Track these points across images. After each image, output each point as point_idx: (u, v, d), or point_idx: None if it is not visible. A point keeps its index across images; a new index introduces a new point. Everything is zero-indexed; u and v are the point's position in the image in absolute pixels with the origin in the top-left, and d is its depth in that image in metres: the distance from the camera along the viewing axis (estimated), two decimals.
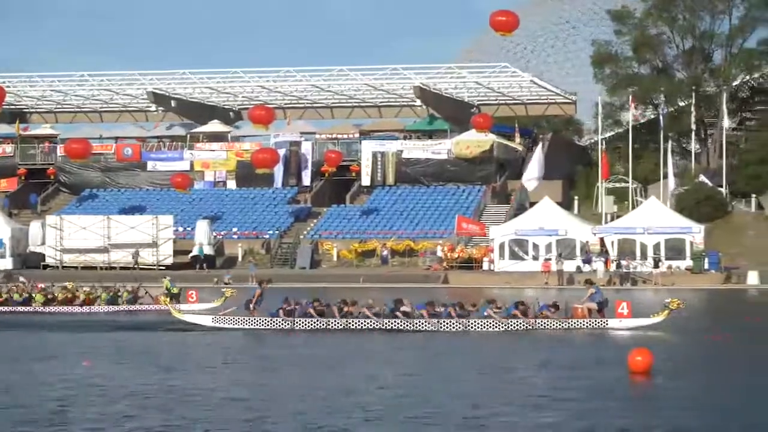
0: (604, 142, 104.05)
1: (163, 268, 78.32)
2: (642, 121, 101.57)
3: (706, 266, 72.72)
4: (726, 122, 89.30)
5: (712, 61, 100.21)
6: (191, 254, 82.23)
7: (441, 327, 39.62)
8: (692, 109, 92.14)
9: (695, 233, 75.01)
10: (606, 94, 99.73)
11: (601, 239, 76.22)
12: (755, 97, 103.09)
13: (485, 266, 77.71)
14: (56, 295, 52.46)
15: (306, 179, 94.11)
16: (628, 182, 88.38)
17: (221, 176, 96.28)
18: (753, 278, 70.46)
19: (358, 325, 40.21)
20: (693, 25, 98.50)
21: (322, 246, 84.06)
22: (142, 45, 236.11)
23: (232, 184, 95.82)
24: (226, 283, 63.63)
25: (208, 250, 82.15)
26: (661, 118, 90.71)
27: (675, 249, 74.83)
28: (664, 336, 37.85)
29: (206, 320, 41.83)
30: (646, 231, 75.38)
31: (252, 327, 40.80)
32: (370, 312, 40.62)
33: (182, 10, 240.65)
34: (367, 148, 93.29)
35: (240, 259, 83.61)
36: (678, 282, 70.33)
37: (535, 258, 75.57)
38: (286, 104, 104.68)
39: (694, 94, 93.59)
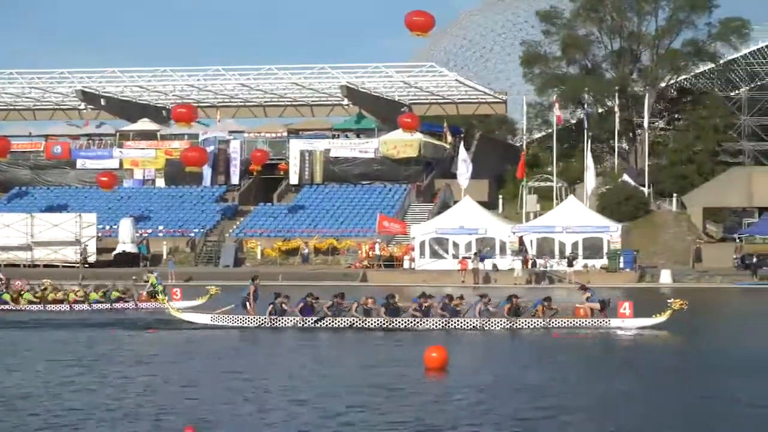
0: (536, 142, 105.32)
1: (87, 266, 78.32)
2: (573, 121, 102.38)
3: (621, 265, 73.43)
4: (646, 122, 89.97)
5: (641, 62, 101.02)
6: (115, 252, 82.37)
7: (432, 325, 39.52)
8: (616, 109, 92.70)
9: (612, 232, 75.82)
10: (534, 93, 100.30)
11: (521, 238, 76.87)
12: (683, 98, 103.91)
13: (406, 264, 78.22)
14: (44, 294, 51.95)
15: (234, 178, 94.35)
16: (552, 182, 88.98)
17: (150, 174, 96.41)
18: (666, 277, 71.29)
19: (353, 322, 40.02)
20: (621, 26, 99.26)
21: (247, 244, 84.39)
22: (73, 43, 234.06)
23: (161, 183, 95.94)
24: (145, 281, 63.71)
25: (131, 248, 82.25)
26: (585, 118, 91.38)
27: (593, 248, 75.68)
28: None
29: (204, 318, 41.59)
30: (564, 230, 76.16)
31: (250, 325, 40.66)
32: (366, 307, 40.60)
33: (114, 7, 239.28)
34: (295, 146, 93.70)
35: (164, 256, 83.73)
36: (593, 280, 70.75)
37: (455, 256, 76.11)
38: (219, 103, 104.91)
39: (617, 95, 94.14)
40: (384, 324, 39.66)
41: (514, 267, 72.76)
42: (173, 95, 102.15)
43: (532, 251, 75.79)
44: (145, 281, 63.38)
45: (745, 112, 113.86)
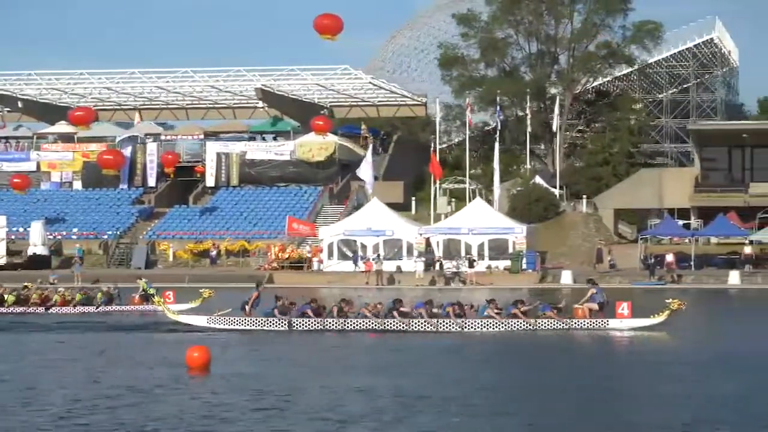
0: (459, 144, 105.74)
1: None
2: (492, 123, 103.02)
3: (524, 266, 74.18)
4: (555, 124, 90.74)
5: (559, 64, 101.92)
6: (28, 254, 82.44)
7: (439, 327, 39.69)
8: (528, 111, 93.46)
9: (517, 233, 76.54)
10: (452, 96, 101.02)
11: (427, 239, 77.49)
12: (600, 100, 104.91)
13: (315, 266, 78.65)
14: (30, 295, 52.25)
15: (151, 180, 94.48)
16: (465, 183, 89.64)
17: (68, 177, 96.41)
18: (566, 278, 71.95)
19: (356, 325, 40.22)
20: (537, 29, 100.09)
21: (159, 246, 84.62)
22: None
23: (78, 185, 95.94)
24: (51, 283, 63.89)
25: (42, 251, 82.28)
26: (497, 120, 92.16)
27: (499, 249, 76.39)
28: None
29: (201, 321, 41.62)
30: (470, 231, 76.82)
31: (247, 328, 40.75)
32: (369, 312, 40.71)
33: (25, 8, 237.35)
34: (212, 149, 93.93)
35: (79, 259, 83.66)
36: (496, 281, 71.74)
37: (362, 258, 76.49)
38: (141, 106, 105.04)
39: (531, 97, 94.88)
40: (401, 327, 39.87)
41: (416, 269, 73.35)
42: (92, 98, 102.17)
43: (438, 253, 76.46)
44: (51, 282, 63.85)
45: (668, 114, 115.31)
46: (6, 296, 51.55)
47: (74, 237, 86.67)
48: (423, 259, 74.51)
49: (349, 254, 77.54)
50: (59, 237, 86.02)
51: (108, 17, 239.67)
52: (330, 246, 78.37)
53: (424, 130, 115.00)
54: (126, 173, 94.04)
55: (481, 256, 75.52)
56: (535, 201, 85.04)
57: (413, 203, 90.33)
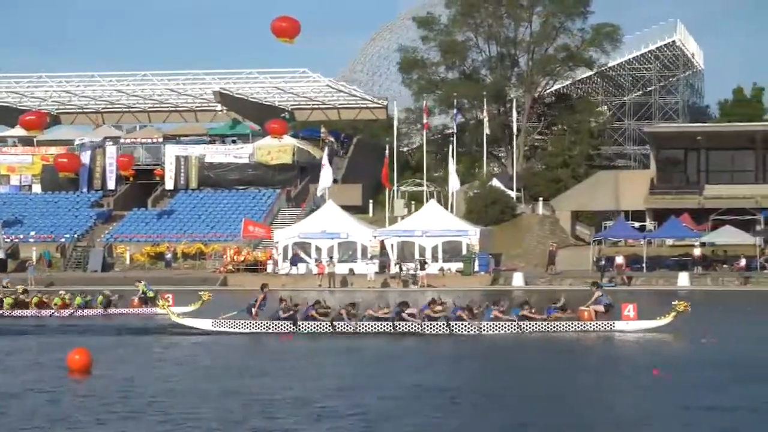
0: (421, 147, 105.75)
1: None
2: (453, 126, 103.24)
3: (477, 268, 74.51)
4: (515, 126, 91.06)
5: (519, 67, 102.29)
6: None
7: (453, 329, 39.93)
8: (484, 114, 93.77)
9: (471, 236, 76.87)
10: (412, 99, 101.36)
11: (381, 242, 77.74)
12: (561, 103, 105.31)
13: (269, 268, 78.81)
14: (28, 299, 52.62)
15: (110, 183, 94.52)
16: (422, 186, 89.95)
17: (27, 180, 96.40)
18: (518, 280, 72.36)
19: (366, 327, 40.46)
20: (497, 32, 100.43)
21: (116, 249, 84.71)
22: None
23: (37, 188, 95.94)
24: (4, 287, 63.87)
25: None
26: (455, 123, 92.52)
27: (453, 251, 76.72)
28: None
29: (205, 324, 41.74)
30: (424, 234, 77.11)
31: (253, 331, 40.97)
32: (377, 314, 40.92)
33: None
34: (171, 152, 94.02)
35: (34, 262, 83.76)
36: (448, 283, 72.07)
37: (317, 260, 76.70)
38: (103, 109, 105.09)
39: (489, 100, 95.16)
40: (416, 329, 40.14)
41: (367, 271, 73.67)
42: (53, 101, 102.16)
43: (393, 255, 76.79)
44: (4, 286, 63.79)
45: (631, 116, 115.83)
46: (4, 299, 52.00)
47: (31, 240, 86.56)
48: (376, 261, 74.73)
49: (304, 257, 77.78)
50: (16, 240, 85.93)
51: (69, 20, 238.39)
52: (285, 248, 78.63)
53: (388, 133, 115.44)
54: (85, 176, 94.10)
55: (435, 259, 75.94)
56: (491, 203, 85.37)
57: (371, 206, 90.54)
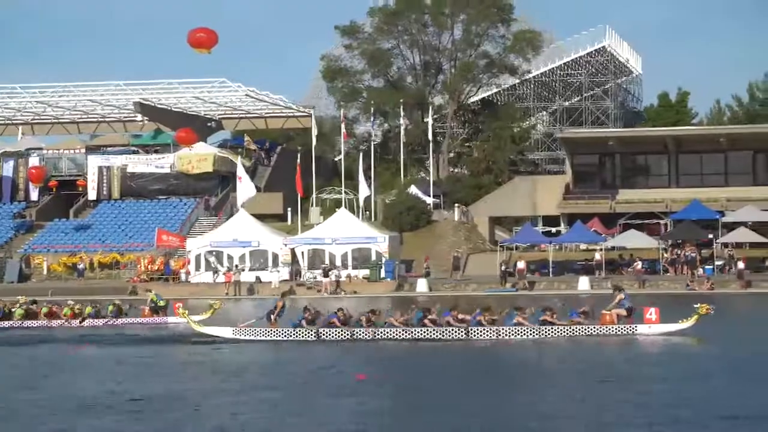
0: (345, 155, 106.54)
1: None
2: (378, 134, 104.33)
3: (383, 275, 75.34)
4: (430, 133, 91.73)
5: (444, 75, 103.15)
6: None
7: (471, 335, 40.31)
8: (402, 121, 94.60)
9: (380, 243, 77.72)
10: (335, 107, 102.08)
11: (292, 250, 78.48)
12: (486, 110, 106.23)
13: (183, 277, 79.45)
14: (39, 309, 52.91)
15: (33, 194, 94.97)
16: (341, 194, 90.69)
17: None
18: (422, 286, 73.19)
19: (385, 334, 40.82)
20: (421, 40, 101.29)
21: (33, 260, 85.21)
22: None
23: None
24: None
25: None
26: (373, 131, 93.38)
27: (363, 258, 77.59)
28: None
29: (226, 332, 42.15)
30: (333, 241, 77.94)
31: (273, 338, 41.39)
32: (397, 321, 41.35)
33: None
34: (93, 162, 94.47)
35: None
36: (359, 290, 73.06)
37: (229, 269, 77.34)
38: (32, 120, 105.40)
39: (408, 107, 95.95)
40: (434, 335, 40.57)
41: (272, 279, 74.50)
42: None
43: (303, 263, 77.65)
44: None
45: (563, 122, 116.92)
46: (14, 310, 52.40)
47: None
48: (279, 269, 75.70)
49: (216, 265, 78.50)
50: None
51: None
52: (198, 257, 79.34)
53: (319, 141, 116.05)
54: (8, 188, 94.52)
55: (345, 266, 76.78)
56: (406, 210, 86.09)
57: (290, 214, 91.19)
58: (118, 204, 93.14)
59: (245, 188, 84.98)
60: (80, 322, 51.30)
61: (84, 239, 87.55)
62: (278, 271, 75.28)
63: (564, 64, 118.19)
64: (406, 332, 40.72)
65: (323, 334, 41.02)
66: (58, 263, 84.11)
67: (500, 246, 79.12)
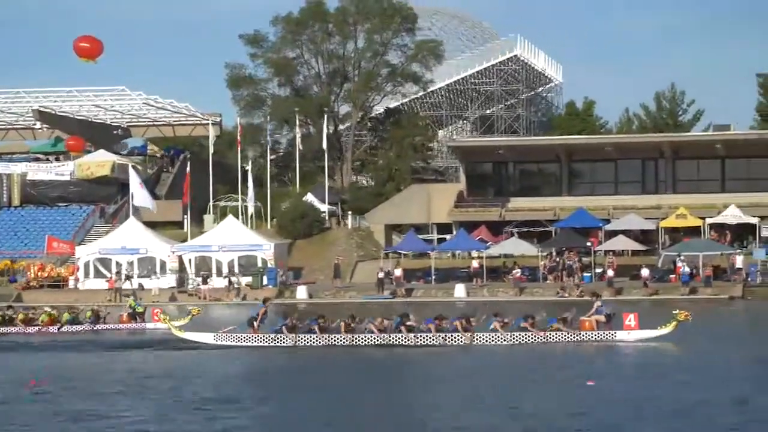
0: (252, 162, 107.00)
1: None
2: (282, 142, 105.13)
3: (265, 282, 76.28)
4: (324, 143, 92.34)
5: (349, 83, 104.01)
6: None
7: (447, 341, 41.14)
8: (297, 130, 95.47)
9: (266, 250, 78.66)
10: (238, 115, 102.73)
11: (179, 257, 79.28)
12: (389, 118, 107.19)
13: (71, 284, 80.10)
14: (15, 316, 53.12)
15: None
16: (237, 202, 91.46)
17: None
18: (302, 293, 74.23)
19: (363, 340, 41.54)
20: (325, 49, 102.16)
21: None
22: None
23: None
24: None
25: None
26: (269, 140, 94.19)
27: (249, 265, 78.55)
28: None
29: (208, 338, 42.73)
30: (220, 249, 78.83)
31: (255, 345, 42.07)
32: (375, 327, 41.93)
33: None
34: None
35: None
36: (236, 297, 74.00)
37: (117, 276, 78.01)
38: None
39: (299, 114, 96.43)
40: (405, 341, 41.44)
41: (152, 286, 75.36)
42: None
43: (191, 270, 78.55)
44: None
45: (477, 130, 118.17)
46: None
47: None
48: (159, 276, 76.70)
49: (105, 272, 79.22)
50: None
51: None
52: (87, 264, 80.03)
53: (231, 149, 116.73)
54: None
55: (232, 273, 77.68)
56: (300, 217, 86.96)
57: (186, 222, 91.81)
58: (18, 211, 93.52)
59: (141, 196, 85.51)
60: (58, 329, 51.90)
61: None
62: (158, 278, 76.00)
63: (477, 72, 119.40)
64: (385, 338, 41.67)
65: (301, 341, 41.86)
66: None
67: (384, 253, 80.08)
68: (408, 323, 41.95)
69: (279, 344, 42.09)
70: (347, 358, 39.62)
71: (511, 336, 41.37)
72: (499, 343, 41.22)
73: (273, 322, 44.18)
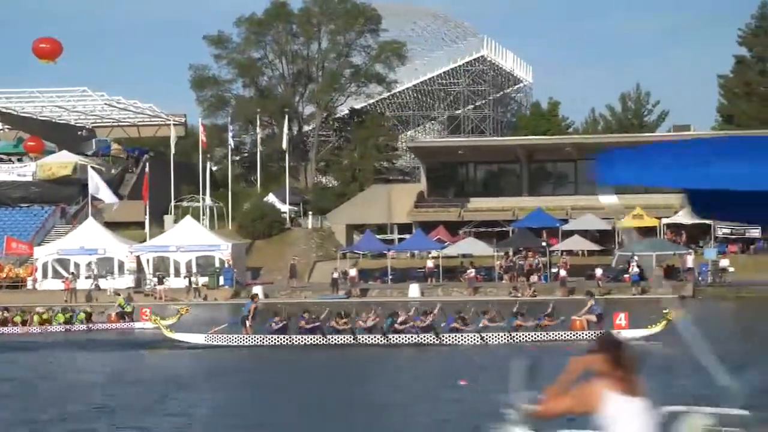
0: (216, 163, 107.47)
1: None
2: (247, 142, 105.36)
3: (222, 282, 76.59)
4: (284, 142, 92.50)
5: (313, 83, 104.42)
6: None
7: (443, 340, 41.08)
8: (258, 130, 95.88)
9: (223, 250, 78.93)
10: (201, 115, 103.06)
11: (137, 257, 79.52)
12: (353, 119, 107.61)
13: (30, 285, 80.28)
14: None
15: None
16: (200, 202, 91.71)
17: None
18: (258, 292, 74.20)
19: (355, 339, 41.44)
20: (289, 49, 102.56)
21: None
22: None
23: None
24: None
25: None
26: (231, 141, 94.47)
27: (207, 265, 78.78)
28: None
29: (198, 338, 42.51)
30: (178, 249, 79.06)
31: (246, 344, 41.87)
32: (366, 325, 41.94)
33: None
34: None
35: None
36: (193, 297, 74.21)
37: (72, 276, 78.17)
38: None
39: (262, 115, 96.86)
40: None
41: (108, 287, 75.65)
42: None
43: (149, 270, 78.79)
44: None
45: (445, 131, 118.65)
46: None
47: None
48: (115, 276, 77.00)
49: (64, 273, 79.37)
50: None
51: None
52: (45, 265, 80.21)
53: (195, 150, 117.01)
54: None
55: (189, 273, 77.94)
56: (260, 218, 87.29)
57: (147, 222, 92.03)
58: None
59: (104, 196, 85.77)
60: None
61: None
62: (114, 279, 76.27)
63: (444, 72, 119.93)
64: (377, 337, 41.65)
65: (295, 340, 41.83)
66: None
67: (341, 253, 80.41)
68: (399, 320, 41.88)
69: (271, 344, 41.98)
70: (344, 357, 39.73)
71: (509, 335, 41.48)
72: (496, 342, 41.11)
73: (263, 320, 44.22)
